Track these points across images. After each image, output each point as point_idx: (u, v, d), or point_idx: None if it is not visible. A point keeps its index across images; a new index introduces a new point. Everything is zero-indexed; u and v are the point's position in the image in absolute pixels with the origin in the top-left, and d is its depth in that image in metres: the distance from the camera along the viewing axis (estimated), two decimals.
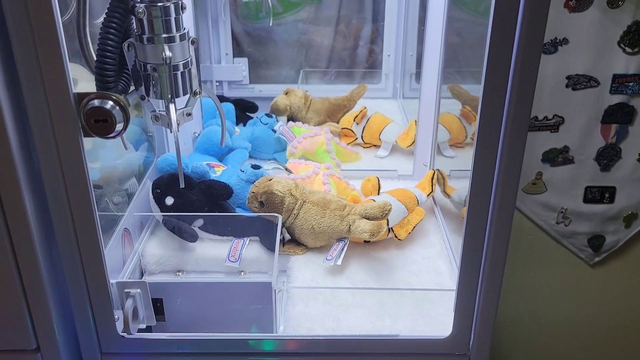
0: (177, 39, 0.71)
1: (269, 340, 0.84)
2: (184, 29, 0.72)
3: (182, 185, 0.80)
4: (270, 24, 1.64)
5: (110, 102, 0.67)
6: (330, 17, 1.69)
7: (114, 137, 0.69)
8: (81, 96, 0.67)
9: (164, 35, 0.70)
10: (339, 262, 0.96)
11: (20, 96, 0.67)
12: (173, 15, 0.70)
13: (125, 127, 0.69)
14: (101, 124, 0.67)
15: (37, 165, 0.70)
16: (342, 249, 0.98)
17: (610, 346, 1.86)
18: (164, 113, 0.76)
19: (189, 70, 0.74)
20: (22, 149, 0.69)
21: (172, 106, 0.73)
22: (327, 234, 1.01)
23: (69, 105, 0.66)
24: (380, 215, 0.97)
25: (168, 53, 0.70)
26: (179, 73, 0.73)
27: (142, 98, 0.75)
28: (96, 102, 0.67)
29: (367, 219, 0.98)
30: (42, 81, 0.65)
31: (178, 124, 0.75)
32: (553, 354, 1.89)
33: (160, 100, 0.75)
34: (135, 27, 0.72)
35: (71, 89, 0.66)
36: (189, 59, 0.74)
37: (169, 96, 0.73)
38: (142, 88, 0.74)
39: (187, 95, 0.76)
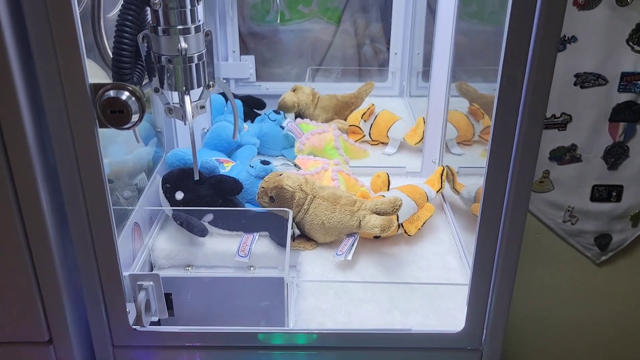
0: (192, 30, 0.71)
1: (280, 333, 0.84)
2: (199, 20, 0.72)
3: (196, 177, 0.80)
4: (278, 21, 1.64)
5: (127, 93, 0.67)
6: (338, 16, 1.69)
7: (129, 128, 0.69)
8: (97, 87, 0.67)
9: (180, 27, 0.70)
10: (349, 258, 0.96)
11: (36, 86, 0.66)
12: (188, 6, 0.70)
13: (141, 118, 0.69)
14: (117, 115, 0.67)
15: (53, 156, 0.70)
16: (352, 245, 0.98)
17: (616, 345, 1.85)
18: (177, 106, 0.76)
19: (203, 63, 0.75)
20: (37, 140, 0.69)
21: (187, 98, 0.73)
22: (338, 229, 1.01)
23: (85, 95, 0.66)
24: (391, 211, 0.96)
25: (184, 44, 0.70)
26: (193, 65, 0.73)
27: (156, 90, 0.75)
28: (112, 93, 0.67)
29: (378, 214, 0.97)
30: (58, 71, 0.65)
31: (192, 117, 0.75)
32: (559, 352, 1.88)
33: (174, 93, 0.75)
34: (150, 19, 0.72)
35: (87, 80, 0.66)
36: (203, 52, 0.74)
37: (184, 88, 0.73)
38: (156, 80, 0.74)
39: (201, 89, 0.76)
